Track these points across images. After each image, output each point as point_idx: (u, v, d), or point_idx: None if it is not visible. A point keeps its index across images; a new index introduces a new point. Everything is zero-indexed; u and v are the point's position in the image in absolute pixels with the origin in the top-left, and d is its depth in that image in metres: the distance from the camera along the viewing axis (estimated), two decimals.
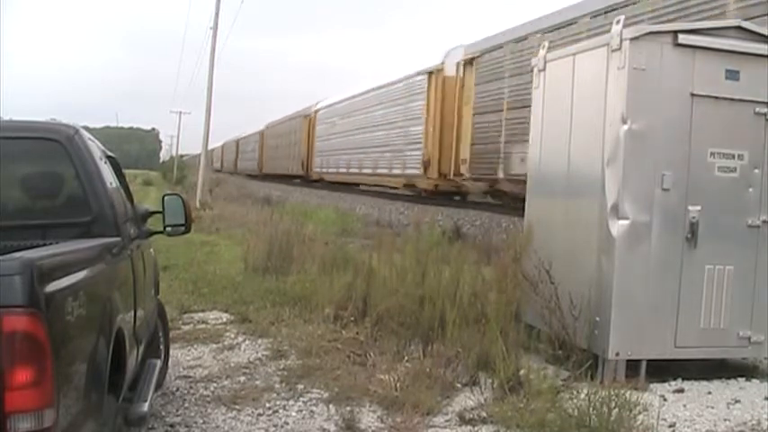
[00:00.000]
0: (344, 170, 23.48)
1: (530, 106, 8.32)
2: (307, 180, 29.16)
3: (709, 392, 5.10)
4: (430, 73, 17.22)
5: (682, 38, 5.26)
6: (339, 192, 25.33)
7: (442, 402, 4.70)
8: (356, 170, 22.06)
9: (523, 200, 7.39)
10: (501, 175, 13.64)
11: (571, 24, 11.73)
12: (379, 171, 20.22)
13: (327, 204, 22.49)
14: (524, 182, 7.68)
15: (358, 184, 22.85)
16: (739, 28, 5.49)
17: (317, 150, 27.77)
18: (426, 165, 17.03)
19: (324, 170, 26.17)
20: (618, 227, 5.22)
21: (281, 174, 34.20)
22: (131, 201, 4.40)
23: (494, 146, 13.94)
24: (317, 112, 28.54)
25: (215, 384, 5.11)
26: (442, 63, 16.87)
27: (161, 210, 4.49)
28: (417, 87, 17.80)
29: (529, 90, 11.56)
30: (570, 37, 10.94)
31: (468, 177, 15.30)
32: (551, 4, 12.52)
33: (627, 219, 5.22)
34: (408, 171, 18.11)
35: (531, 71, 6.35)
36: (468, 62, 15.51)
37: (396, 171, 19.02)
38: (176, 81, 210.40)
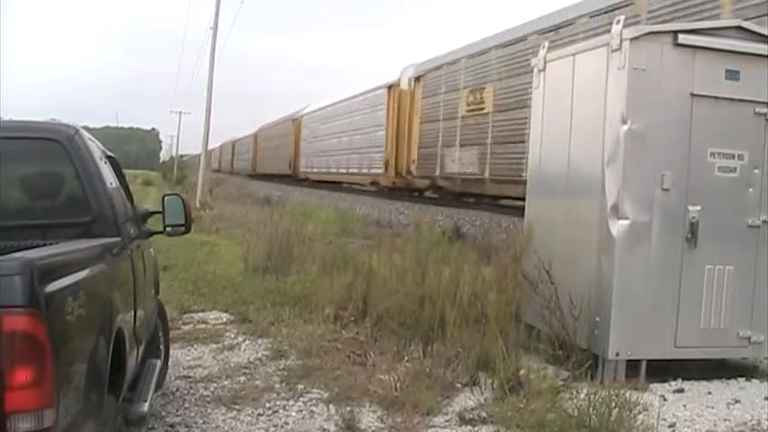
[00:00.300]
0: (325, 170, 26.59)
1: (458, 117, 10.71)
2: (294, 179, 31.96)
3: (709, 392, 5.10)
4: (389, 87, 20.13)
5: (682, 38, 5.26)
6: (338, 192, 25.81)
7: (442, 402, 4.70)
8: (335, 170, 25.19)
9: (455, 194, 9.28)
10: (438, 173, 16.55)
11: (484, 54, 14.69)
12: (352, 170, 23.36)
13: (327, 204, 22.55)
14: (454, 179, 11.25)
15: (339, 183, 25.57)
16: (739, 28, 5.49)
17: (302, 152, 30.78)
18: (387, 165, 19.99)
19: (309, 170, 29.06)
20: (618, 227, 5.22)
21: (272, 173, 37.13)
22: (131, 201, 4.40)
23: (433, 149, 16.80)
24: (302, 117, 31.44)
25: (215, 384, 5.11)
26: (398, 79, 19.61)
27: (161, 210, 4.49)
28: (380, 99, 20.79)
29: (457, 103, 15.25)
30: (484, 64, 14.49)
31: (416, 175, 18.21)
32: (551, 4, 12.59)
33: (627, 219, 5.22)
34: (373, 171, 21.19)
35: (458, 89, 7.86)
36: (417, 79, 18.33)
37: (364, 171, 22.14)
38: (176, 81, 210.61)
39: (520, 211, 8.34)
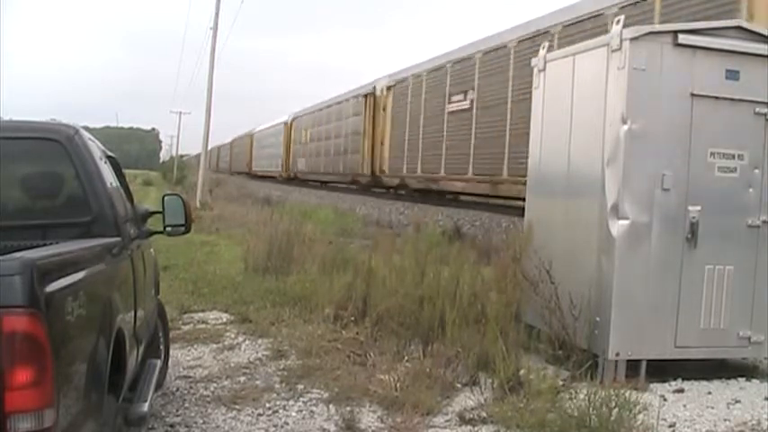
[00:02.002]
0: (315, 169, 29.44)
1: (420, 124, 13.05)
2: (286, 178, 34.92)
3: (709, 392, 5.10)
4: (366, 96, 22.34)
5: (682, 38, 5.26)
6: (338, 192, 26.13)
7: (442, 402, 4.70)
8: (321, 170, 27.99)
9: (419, 191, 14.87)
10: (405, 172, 18.91)
11: (439, 69, 16.81)
12: (336, 170, 25.96)
13: (327, 204, 22.56)
14: (418, 177, 15.83)
15: (325, 182, 28.49)
16: (739, 28, 5.49)
17: (292, 153, 33.79)
18: (364, 165, 22.21)
19: (298, 170, 32.27)
20: (618, 227, 5.22)
21: (266, 173, 40.39)
22: (131, 201, 4.40)
23: (401, 151, 19.16)
24: (293, 121, 34.22)
25: (215, 384, 5.11)
26: (374, 88, 21.85)
27: (161, 210, 4.49)
28: (359, 106, 23.07)
29: (419, 112, 17.94)
30: (442, 77, 16.49)
31: (388, 174, 20.44)
32: (552, 3, 12.61)
33: (627, 219, 5.22)
34: (353, 170, 23.61)
35: (422, 98, 9.94)
36: (388, 88, 20.62)
37: (347, 171, 24.55)
38: (176, 81, 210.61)
39: (520, 211, 8.36)
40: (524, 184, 7.01)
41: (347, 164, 24.16)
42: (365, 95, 22.34)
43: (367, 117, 22.04)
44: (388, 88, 20.51)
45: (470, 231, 14.28)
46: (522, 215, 7.10)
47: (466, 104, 14.94)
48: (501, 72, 13.41)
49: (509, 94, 12.90)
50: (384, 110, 20.75)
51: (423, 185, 17.85)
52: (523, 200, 6.95)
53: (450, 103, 15.78)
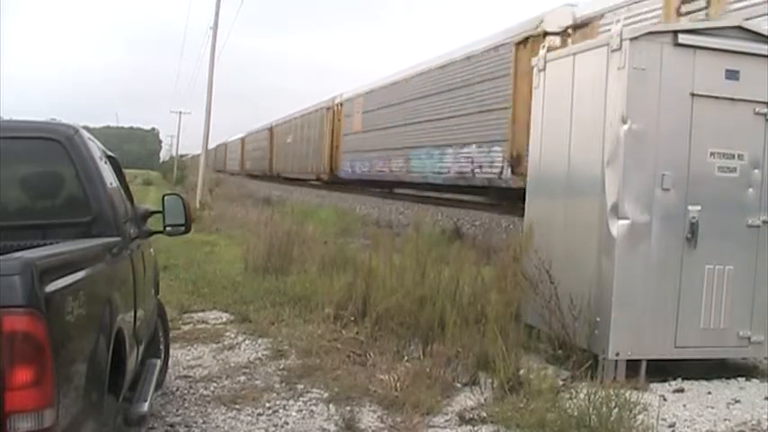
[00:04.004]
0: (290, 169, 33.39)
1: (361, 132, 18.55)
2: (270, 176, 38.60)
3: (709, 392, 5.10)
4: (328, 108, 26.65)
5: (682, 38, 5.26)
6: (337, 192, 26.13)
7: (442, 402, 4.70)
8: (297, 169, 31.77)
9: (362, 183, 22.04)
10: (349, 171, 23.28)
11: (371, 92, 21.47)
12: (306, 168, 30.01)
13: (327, 204, 22.56)
14: (358, 175, 21.61)
15: (302, 180, 31.90)
16: (739, 28, 5.49)
17: (275, 154, 37.39)
18: (326, 165, 26.29)
19: (280, 169, 35.92)
20: (618, 227, 5.22)
21: (257, 172, 43.35)
22: (131, 201, 4.40)
23: (349, 154, 23.46)
24: (274, 127, 38.08)
25: (215, 384, 5.11)
26: (333, 101, 26.12)
27: (161, 210, 4.49)
28: (323, 116, 27.30)
29: (360, 124, 22.27)
30: (372, 98, 20.98)
31: (340, 173, 24.39)
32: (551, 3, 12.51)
33: (627, 219, 5.23)
34: (317, 169, 27.71)
35: (354, 114, 13.00)
36: (340, 104, 25.09)
37: (314, 169, 28.55)
38: (176, 81, 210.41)
39: (520, 211, 8.37)
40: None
41: (313, 165, 29.55)
42: (327, 108, 26.82)
43: (328, 126, 26.74)
44: (340, 104, 25.52)
45: (470, 231, 14.29)
46: (521, 215, 7.11)
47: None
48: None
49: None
50: (339, 120, 25.43)
51: (361, 179, 22.95)
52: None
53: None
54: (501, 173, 12.87)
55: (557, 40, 11.04)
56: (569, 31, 11.76)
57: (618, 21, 5.59)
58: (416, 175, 17.17)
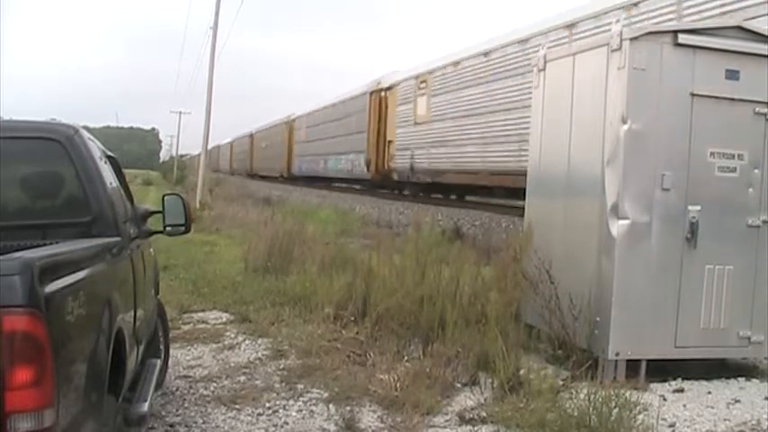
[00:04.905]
0: (263, 168, 42.08)
1: (305, 142, 27.56)
2: (250, 175, 45.84)
3: (709, 392, 5.10)
4: (286, 123, 35.30)
5: (682, 38, 5.26)
6: (337, 192, 26.48)
7: (442, 402, 4.70)
8: (267, 168, 40.10)
9: (303, 179, 31.81)
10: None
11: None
12: (273, 168, 37.98)
13: (327, 204, 22.56)
14: (304, 174, 31.76)
15: (271, 177, 38.58)
16: (739, 28, 5.49)
17: (254, 157, 45.96)
18: (284, 165, 34.93)
19: (258, 169, 44.26)
20: (618, 227, 5.22)
21: (241, 171, 51.37)
22: (131, 201, 4.40)
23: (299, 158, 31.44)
24: (254, 134, 46.48)
25: (215, 384, 5.11)
26: (289, 118, 34.66)
27: (161, 210, 4.49)
28: (283, 129, 35.35)
29: (305, 135, 31.76)
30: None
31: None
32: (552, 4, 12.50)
33: (627, 219, 5.23)
34: (280, 169, 35.83)
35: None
36: (293, 120, 33.13)
37: (278, 169, 36.48)
38: (176, 81, 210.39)
39: (520, 211, 8.37)
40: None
41: (278, 165, 37.50)
42: (285, 123, 35.91)
43: (287, 138, 35.25)
44: (293, 121, 33.68)
45: (470, 231, 14.29)
46: (518, 215, 7.11)
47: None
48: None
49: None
50: (293, 133, 33.55)
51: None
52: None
53: None
54: (363, 170, 22.70)
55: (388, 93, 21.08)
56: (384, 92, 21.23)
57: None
58: (331, 171, 27.26)
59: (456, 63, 16.44)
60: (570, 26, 12.26)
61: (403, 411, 4.49)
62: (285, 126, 35.13)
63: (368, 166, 21.60)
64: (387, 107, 20.95)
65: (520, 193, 8.86)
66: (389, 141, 20.49)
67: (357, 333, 6.06)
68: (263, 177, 40.76)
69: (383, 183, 21.84)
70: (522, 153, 10.19)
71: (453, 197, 18.27)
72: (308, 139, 30.70)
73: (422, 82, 18.34)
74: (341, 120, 25.36)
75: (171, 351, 5.42)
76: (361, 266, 6.97)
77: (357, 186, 25.14)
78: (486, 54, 15.05)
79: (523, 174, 6.92)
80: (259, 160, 43.89)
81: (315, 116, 29.98)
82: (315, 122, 29.61)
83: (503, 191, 14.54)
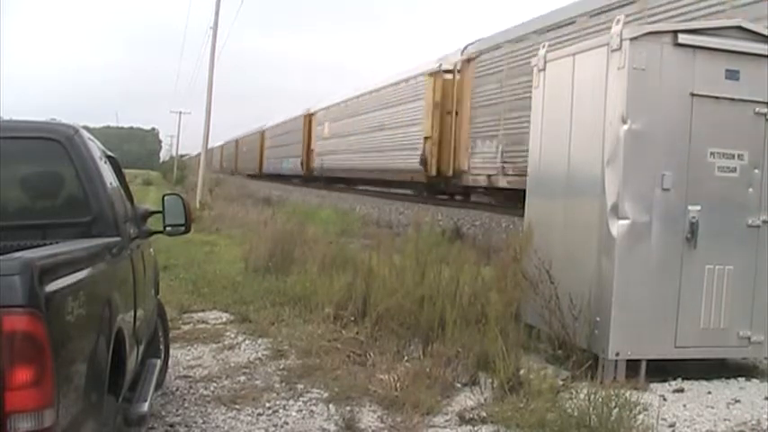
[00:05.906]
0: (245, 168, 48.46)
1: (274, 147, 36.05)
2: (236, 173, 51.90)
3: (709, 392, 5.10)
4: (260, 132, 42.50)
5: (682, 38, 5.26)
6: (337, 192, 26.54)
7: (442, 402, 4.70)
8: (248, 168, 46.42)
9: (271, 176, 39.69)
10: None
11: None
12: (251, 167, 44.37)
13: (327, 204, 22.57)
14: (272, 173, 40.09)
15: (250, 174, 44.52)
16: (740, 28, 5.48)
17: (239, 159, 53.01)
18: (257, 165, 42.21)
19: (241, 168, 50.12)
20: (618, 227, 5.22)
21: (229, 171, 56.91)
22: (131, 201, 4.40)
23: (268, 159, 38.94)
24: (239, 139, 53.95)
25: (215, 384, 5.11)
26: (261, 129, 41.78)
27: (161, 210, 4.49)
28: (257, 137, 43.90)
29: (273, 142, 40.97)
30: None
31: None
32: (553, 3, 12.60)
33: (627, 219, 5.23)
34: (254, 168, 43.45)
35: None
36: (262, 133, 38.75)
37: (253, 168, 43.75)
38: (176, 81, 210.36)
39: (520, 211, 8.38)
40: None
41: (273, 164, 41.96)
42: (266, 130, 43.19)
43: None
44: (313, 115, 32.33)
45: (470, 231, 14.29)
46: (521, 215, 7.11)
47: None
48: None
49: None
50: (313, 128, 32.65)
51: None
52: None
53: None
54: (299, 168, 32.34)
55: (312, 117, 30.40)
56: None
57: None
58: (284, 170, 35.79)
59: (344, 102, 26.19)
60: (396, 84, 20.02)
61: (403, 411, 4.49)
62: (259, 136, 44.32)
63: (302, 166, 32.18)
64: (311, 127, 31.52)
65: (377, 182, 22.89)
66: (312, 150, 30.85)
67: (357, 333, 6.06)
68: (245, 175, 48.31)
69: (309, 177, 31.76)
70: (366, 158, 22.40)
71: (361, 188, 26.04)
72: (273, 145, 40.27)
73: (327, 111, 28.68)
74: (289, 133, 35.44)
75: (171, 351, 5.41)
76: (362, 266, 6.97)
77: (295, 180, 35.05)
78: (357, 98, 24.47)
79: (367, 170, 15.48)
80: (242, 161, 52.72)
81: (276, 129, 39.87)
82: (276, 134, 39.51)
83: (364, 182, 25.28)
